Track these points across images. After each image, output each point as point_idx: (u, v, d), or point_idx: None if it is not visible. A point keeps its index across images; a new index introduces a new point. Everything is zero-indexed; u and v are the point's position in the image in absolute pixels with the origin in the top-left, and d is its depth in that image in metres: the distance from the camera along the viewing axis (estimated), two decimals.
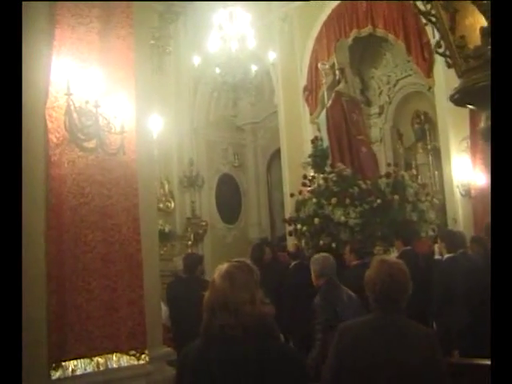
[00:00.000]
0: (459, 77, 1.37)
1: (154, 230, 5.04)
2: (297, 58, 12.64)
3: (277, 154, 13.93)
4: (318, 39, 12.28)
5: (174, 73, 13.97)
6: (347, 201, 8.37)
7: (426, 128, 12.56)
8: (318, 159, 9.93)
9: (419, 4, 2.13)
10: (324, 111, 10.34)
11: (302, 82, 12.54)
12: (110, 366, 4.22)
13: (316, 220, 8.51)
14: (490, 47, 1.21)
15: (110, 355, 4.23)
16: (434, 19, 1.43)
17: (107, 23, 4.63)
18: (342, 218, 8.25)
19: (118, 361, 4.27)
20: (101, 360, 4.18)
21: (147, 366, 4.41)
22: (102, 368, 4.17)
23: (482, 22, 1.26)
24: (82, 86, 4.34)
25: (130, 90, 4.71)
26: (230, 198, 14.58)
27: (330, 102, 10.26)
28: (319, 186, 8.93)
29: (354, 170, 9.30)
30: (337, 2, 11.94)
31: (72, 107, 4.28)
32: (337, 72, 10.62)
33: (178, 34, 14.14)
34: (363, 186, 8.61)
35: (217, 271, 2.61)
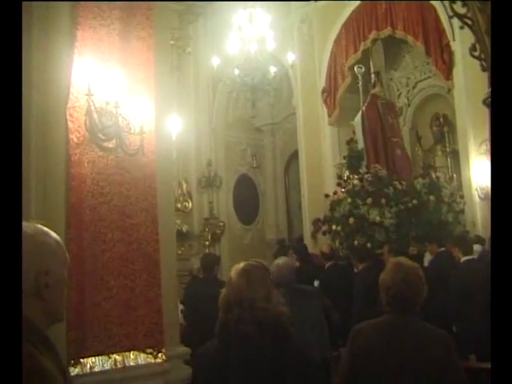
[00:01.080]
0: None
1: (171, 230, 5.08)
2: (315, 59, 12.64)
3: (295, 155, 13.93)
4: (337, 41, 12.27)
5: (193, 73, 14.03)
6: (383, 201, 8.31)
7: (445, 130, 12.47)
8: (354, 160, 9.89)
9: (455, 6, 2.12)
10: (360, 113, 10.35)
11: (321, 83, 12.54)
12: (127, 364, 4.26)
13: (351, 220, 8.46)
14: None
15: (127, 353, 4.28)
16: (469, 22, 1.43)
17: (128, 24, 4.68)
18: (378, 218, 8.20)
19: (135, 359, 4.32)
20: (118, 358, 4.23)
21: (164, 365, 4.45)
22: (119, 365, 4.22)
23: None
24: (103, 86, 4.40)
25: (150, 91, 4.76)
26: (247, 199, 14.59)
27: (366, 104, 10.25)
28: (354, 186, 8.87)
29: (389, 171, 9.26)
30: (356, 4, 11.92)
31: (92, 107, 4.33)
32: (372, 75, 10.61)
33: (197, 35, 14.20)
34: (398, 186, 8.55)
35: (234, 269, 2.65)
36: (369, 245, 8.16)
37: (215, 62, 10.57)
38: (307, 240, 12.42)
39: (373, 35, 11.63)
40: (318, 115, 12.66)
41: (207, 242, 13.29)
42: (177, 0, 12.01)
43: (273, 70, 10.29)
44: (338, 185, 9.68)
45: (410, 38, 11.04)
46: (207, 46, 13.82)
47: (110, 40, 4.54)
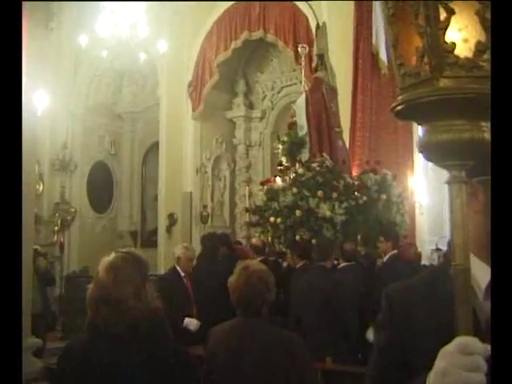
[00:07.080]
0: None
1: (31, 214, 4.77)
2: (185, 52, 12.53)
3: (155, 146, 13.73)
4: (208, 37, 12.26)
5: (55, 51, 13.32)
6: (334, 195, 7.53)
7: None
8: (295, 147, 8.69)
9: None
10: (303, 96, 9.18)
11: (188, 77, 12.45)
12: None
13: (298, 212, 7.52)
14: (425, 67, 1.23)
15: None
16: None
17: None
18: (328, 213, 7.39)
19: None
20: None
21: None
22: None
23: (417, 43, 1.27)
24: None
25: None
26: (102, 187, 14.18)
27: (310, 87, 9.30)
28: (299, 175, 7.92)
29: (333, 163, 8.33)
30: (230, 3, 11.96)
31: None
32: (315, 57, 9.83)
33: (61, 11, 13.48)
34: (349, 180, 7.84)
35: (102, 263, 2.45)
36: (314, 241, 7.19)
37: (83, 41, 10.06)
38: (162, 234, 12.28)
39: (244, 35, 11.75)
40: (182, 109, 12.57)
41: (56, 228, 12.74)
42: None
43: (142, 57, 10.02)
44: (280, 172, 8.56)
45: (280, 43, 11.26)
46: (72, 23, 13.16)
47: None
